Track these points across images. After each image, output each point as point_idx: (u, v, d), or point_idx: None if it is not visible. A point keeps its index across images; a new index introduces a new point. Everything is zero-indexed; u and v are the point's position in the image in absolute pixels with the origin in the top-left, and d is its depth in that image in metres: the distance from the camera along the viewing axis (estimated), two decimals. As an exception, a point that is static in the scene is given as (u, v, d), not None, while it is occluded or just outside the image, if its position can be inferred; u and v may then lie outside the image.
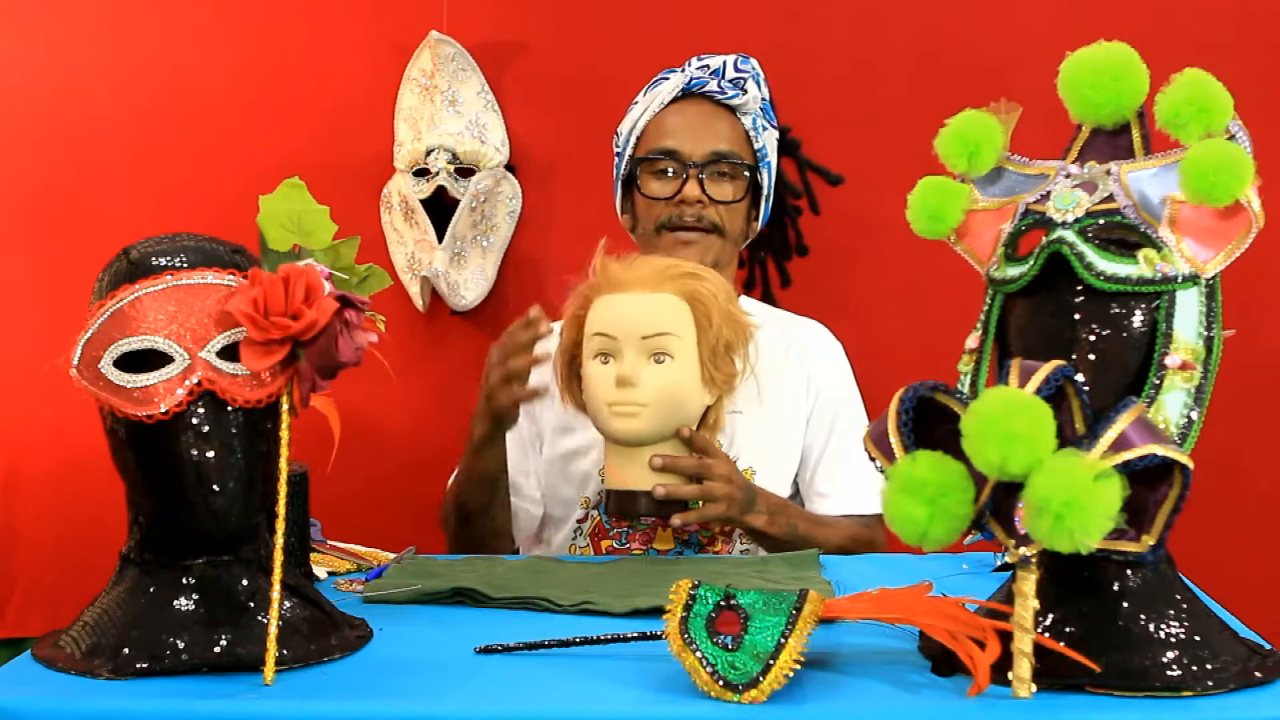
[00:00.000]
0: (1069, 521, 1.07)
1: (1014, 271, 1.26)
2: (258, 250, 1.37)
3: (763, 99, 2.15)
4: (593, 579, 1.62)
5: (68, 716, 1.19)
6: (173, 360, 1.25)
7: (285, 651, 1.26)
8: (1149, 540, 1.17)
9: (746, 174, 2.12)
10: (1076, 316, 1.22)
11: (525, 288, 2.62)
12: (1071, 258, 1.21)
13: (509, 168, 2.64)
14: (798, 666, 1.16)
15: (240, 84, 2.67)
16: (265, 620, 1.24)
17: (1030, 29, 2.53)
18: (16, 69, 2.68)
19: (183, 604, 1.29)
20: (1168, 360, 1.21)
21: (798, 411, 2.10)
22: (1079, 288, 1.22)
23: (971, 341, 1.31)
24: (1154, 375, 1.21)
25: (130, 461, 1.29)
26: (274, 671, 1.22)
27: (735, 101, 2.11)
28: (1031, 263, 1.23)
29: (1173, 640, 1.20)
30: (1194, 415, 1.22)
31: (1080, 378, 1.17)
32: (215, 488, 1.24)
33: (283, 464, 1.26)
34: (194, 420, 1.25)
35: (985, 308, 1.31)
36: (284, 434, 1.27)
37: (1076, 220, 1.23)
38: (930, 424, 1.18)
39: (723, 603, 1.21)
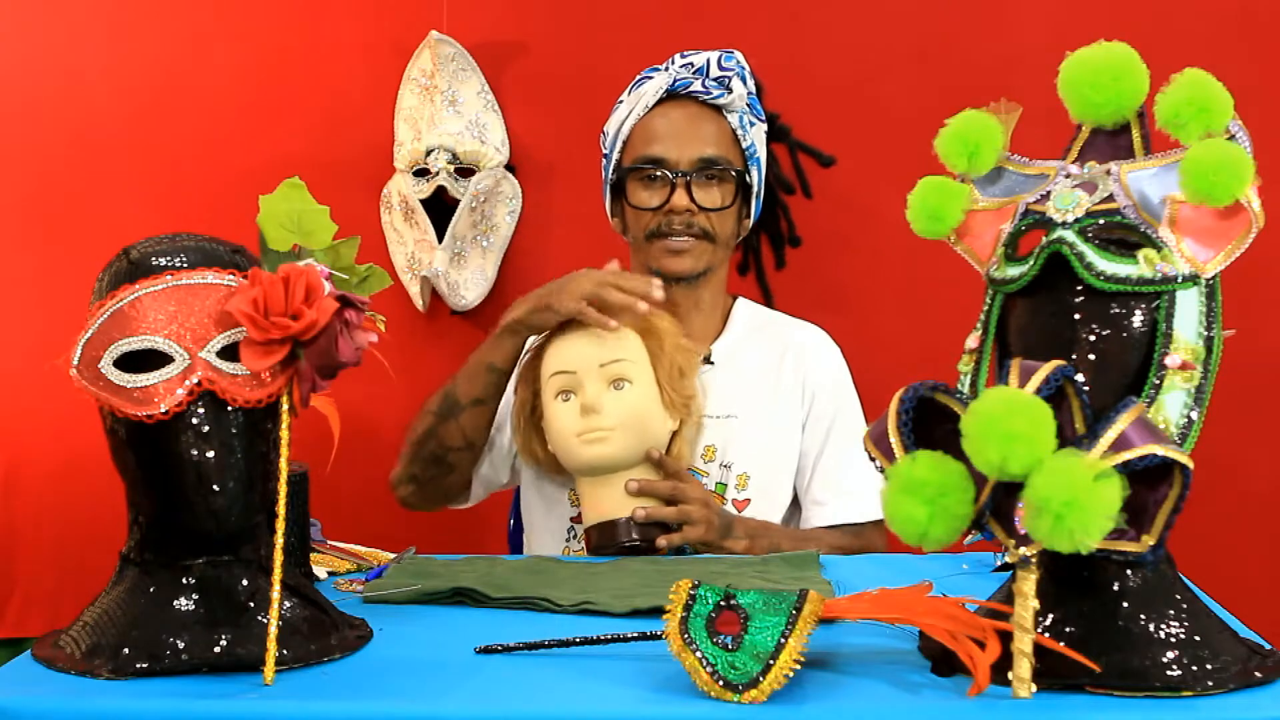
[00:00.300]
0: (1069, 521, 1.07)
1: (1014, 271, 1.26)
2: (258, 250, 1.37)
3: (749, 93, 2.12)
4: (593, 579, 1.62)
5: (68, 716, 1.19)
6: (173, 360, 1.25)
7: (285, 651, 1.26)
8: (1149, 540, 1.17)
9: (734, 177, 2.10)
10: (1076, 316, 1.22)
11: (525, 288, 2.60)
12: (1071, 258, 1.21)
13: (509, 168, 2.64)
14: (798, 666, 1.16)
15: (240, 84, 2.67)
16: (265, 620, 1.24)
17: (1030, 29, 2.53)
18: (17, 69, 2.68)
19: (183, 604, 1.29)
20: (1168, 360, 1.21)
21: (793, 415, 2.10)
22: (1079, 288, 1.22)
23: (971, 341, 1.31)
24: (1154, 375, 1.21)
25: (130, 461, 1.29)
26: (274, 671, 1.22)
27: (721, 101, 2.09)
28: (1031, 263, 1.23)
29: (1173, 640, 1.20)
30: (1194, 415, 1.22)
31: (1080, 378, 1.17)
32: (215, 488, 1.25)
33: (283, 464, 1.26)
34: (194, 420, 1.25)
35: (985, 308, 1.31)
36: (284, 434, 1.27)
37: (1076, 220, 1.23)
38: (930, 424, 1.18)
39: (723, 603, 1.21)
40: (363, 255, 1.45)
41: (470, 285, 2.63)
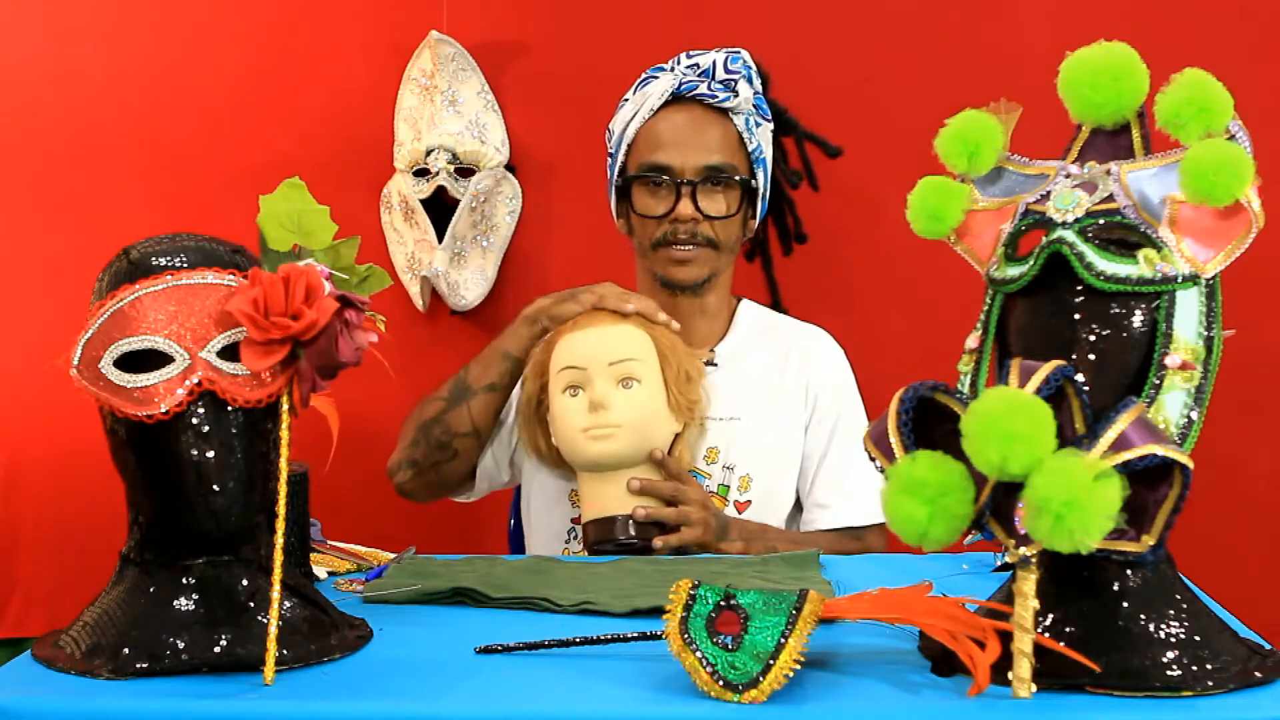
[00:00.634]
0: (1069, 521, 1.07)
1: (1014, 271, 1.26)
2: (258, 250, 1.37)
3: (756, 94, 2.11)
4: (592, 579, 1.62)
5: (68, 716, 1.19)
6: (173, 360, 1.25)
7: (285, 651, 1.26)
8: (1149, 540, 1.17)
9: (739, 184, 2.09)
10: (1076, 316, 1.22)
11: (525, 288, 2.62)
12: (1071, 258, 1.21)
13: (509, 168, 2.64)
14: (798, 666, 1.16)
15: (240, 84, 2.67)
16: (265, 620, 1.24)
17: (1030, 29, 2.53)
18: (17, 68, 2.68)
19: (183, 604, 1.29)
20: (1168, 360, 1.21)
21: (796, 418, 2.10)
22: (1079, 288, 1.22)
23: (971, 341, 1.31)
24: (1154, 375, 1.21)
25: (130, 461, 1.29)
26: (274, 671, 1.22)
27: (727, 104, 2.08)
28: (1031, 263, 1.23)
29: (1173, 640, 1.20)
30: (1194, 415, 1.22)
31: (1080, 378, 1.17)
32: (215, 488, 1.25)
33: (283, 464, 1.26)
34: (194, 420, 1.25)
35: (985, 308, 1.31)
36: (284, 434, 1.27)
37: (1076, 220, 1.23)
38: (930, 424, 1.18)
39: (723, 603, 1.21)
40: (363, 255, 1.45)
41: (470, 285, 2.63)
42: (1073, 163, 1.29)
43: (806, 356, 2.14)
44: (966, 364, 1.31)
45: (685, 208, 2.06)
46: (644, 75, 2.14)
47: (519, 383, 2.01)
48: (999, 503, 1.15)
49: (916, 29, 2.59)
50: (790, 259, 2.41)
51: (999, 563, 1.65)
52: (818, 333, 2.20)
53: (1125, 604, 1.21)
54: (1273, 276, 2.35)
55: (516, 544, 2.29)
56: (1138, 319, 1.22)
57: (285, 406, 1.27)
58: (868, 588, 1.32)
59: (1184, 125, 1.21)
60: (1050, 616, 1.21)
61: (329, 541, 1.78)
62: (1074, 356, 1.20)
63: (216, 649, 1.26)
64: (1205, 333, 1.23)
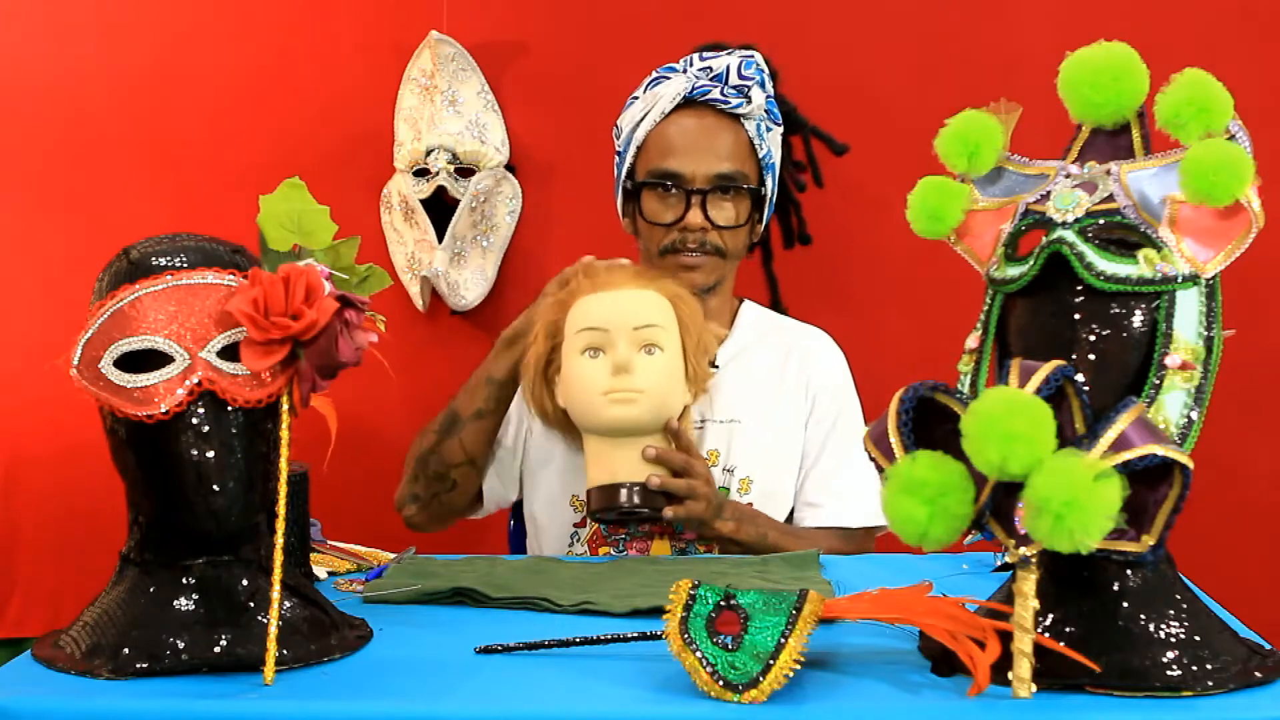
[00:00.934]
0: (1069, 521, 1.07)
1: (1014, 271, 1.26)
2: (258, 250, 1.37)
3: (768, 98, 2.10)
4: (593, 579, 1.62)
5: (68, 716, 1.19)
6: (173, 360, 1.25)
7: (285, 651, 1.26)
8: (1149, 540, 1.17)
9: (749, 192, 2.08)
10: (1076, 316, 1.22)
11: (525, 288, 2.61)
12: (1071, 258, 1.21)
13: (509, 168, 2.64)
14: (798, 666, 1.16)
15: (240, 84, 2.67)
16: (265, 620, 1.24)
17: (1030, 29, 2.53)
18: (17, 68, 2.68)
19: (183, 604, 1.29)
20: (1168, 360, 1.21)
21: (796, 419, 2.09)
22: (1079, 288, 1.22)
23: (971, 341, 1.31)
24: (1154, 375, 1.21)
25: (130, 461, 1.29)
26: (274, 671, 1.22)
27: (739, 110, 2.06)
28: (1031, 263, 1.23)
29: (1173, 640, 1.20)
30: (1194, 415, 1.22)
31: (1080, 378, 1.17)
32: (215, 488, 1.25)
33: (283, 464, 1.26)
34: (194, 420, 1.25)
35: (985, 308, 1.31)
36: (284, 434, 1.27)
37: (1076, 220, 1.23)
38: (930, 424, 1.18)
39: (723, 603, 1.21)
40: (363, 255, 1.45)
41: (470, 285, 2.63)
42: (1073, 163, 1.29)
43: (806, 357, 2.14)
44: (966, 364, 1.31)
45: (695, 217, 2.05)
46: (654, 74, 2.12)
47: (526, 352, 1.95)
48: (999, 503, 1.15)
49: (916, 29, 2.58)
50: (789, 257, 2.41)
51: (999, 563, 1.65)
52: (818, 334, 2.20)
53: (1125, 604, 1.21)
54: (1273, 276, 2.35)
55: (516, 544, 2.29)
56: (1138, 319, 1.22)
57: (285, 406, 1.27)
58: (868, 588, 1.32)
59: (1184, 125, 1.21)
60: (1050, 616, 1.21)
61: (329, 541, 1.78)
62: (1074, 356, 1.20)
63: (216, 649, 1.26)
64: (1205, 333, 1.23)
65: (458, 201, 2.58)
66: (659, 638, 1.23)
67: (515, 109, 2.64)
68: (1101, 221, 1.23)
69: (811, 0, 2.61)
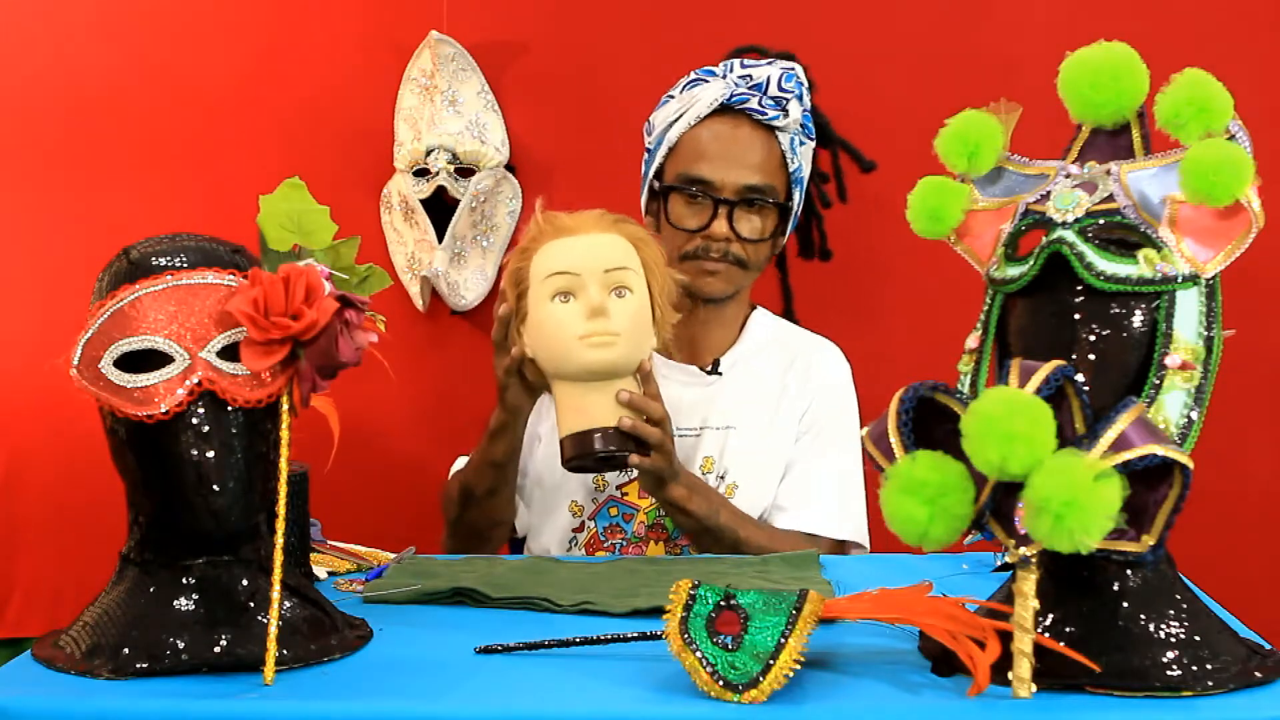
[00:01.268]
0: (1069, 521, 1.07)
1: (1014, 271, 1.26)
2: (258, 250, 1.37)
3: (805, 112, 2.07)
4: (592, 579, 1.62)
5: (68, 716, 1.19)
6: (173, 360, 1.25)
7: (285, 651, 1.26)
8: (1149, 540, 1.17)
9: (776, 206, 2.06)
10: (1076, 316, 1.22)
11: (525, 288, 2.61)
12: (1071, 258, 1.21)
13: (509, 168, 2.64)
14: (798, 666, 1.16)
15: (240, 84, 2.67)
16: (265, 620, 1.24)
17: (1030, 29, 2.53)
18: (17, 68, 2.68)
19: (183, 604, 1.29)
20: (1168, 360, 1.21)
21: (789, 430, 2.08)
22: (1079, 288, 1.22)
23: (971, 341, 1.31)
24: (1154, 375, 1.21)
25: (130, 461, 1.29)
26: (274, 671, 1.22)
27: (776, 123, 2.04)
28: (1031, 263, 1.23)
29: (1173, 640, 1.20)
30: (1194, 415, 1.22)
31: (1080, 378, 1.17)
32: (215, 488, 1.24)
33: (283, 464, 1.26)
34: (194, 420, 1.25)
35: (985, 308, 1.31)
36: (284, 434, 1.27)
37: (1076, 220, 1.23)
38: (930, 424, 1.18)
39: (723, 603, 1.21)
40: (363, 255, 1.45)
41: (470, 285, 2.63)
42: (1073, 163, 1.29)
43: (809, 368, 2.12)
44: (966, 364, 1.31)
45: (720, 226, 2.03)
46: (693, 75, 2.10)
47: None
48: (999, 503, 1.15)
49: (916, 29, 2.59)
50: (796, 262, 2.39)
51: (999, 563, 1.65)
52: (824, 344, 2.18)
53: (1125, 604, 1.21)
54: (1273, 276, 2.35)
55: (516, 544, 2.29)
56: (1138, 319, 1.22)
57: (285, 406, 1.27)
58: (868, 588, 1.32)
59: (1184, 125, 1.21)
60: (1050, 616, 1.21)
61: (329, 541, 1.78)
62: (1074, 356, 1.20)
63: (216, 649, 1.26)
64: (1205, 333, 1.23)
65: (458, 201, 2.58)
66: (659, 638, 1.23)
67: (515, 109, 2.64)
68: (1101, 221, 1.23)
69: (812, 0, 2.61)
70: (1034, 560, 1.14)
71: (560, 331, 1.75)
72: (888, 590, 1.29)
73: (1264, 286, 2.35)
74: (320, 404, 1.43)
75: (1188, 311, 1.22)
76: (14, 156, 2.68)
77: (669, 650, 1.20)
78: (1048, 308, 1.24)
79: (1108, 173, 1.25)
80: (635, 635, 1.31)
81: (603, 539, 2.03)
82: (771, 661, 1.16)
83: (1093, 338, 1.21)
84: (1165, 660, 1.18)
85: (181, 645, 1.26)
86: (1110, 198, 1.23)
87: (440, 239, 2.57)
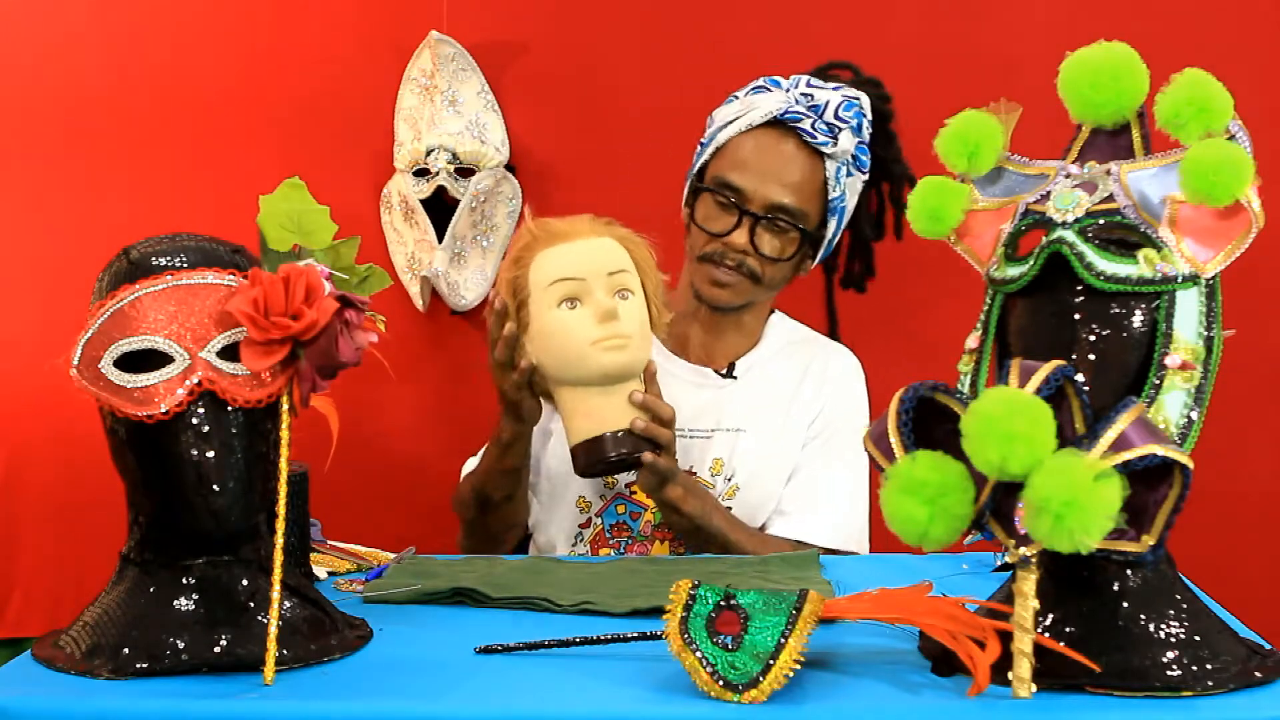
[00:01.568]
0: (1069, 521, 1.07)
1: (1014, 271, 1.26)
2: (258, 250, 1.37)
3: (859, 144, 2.04)
4: (592, 579, 1.62)
5: (68, 716, 1.19)
6: (173, 360, 1.25)
7: (285, 651, 1.26)
8: (1149, 540, 1.17)
9: (800, 231, 2.03)
10: (1076, 316, 1.22)
11: (525, 288, 2.61)
12: (1071, 258, 1.21)
13: (509, 168, 2.64)
14: (798, 666, 1.16)
15: (240, 84, 2.67)
16: (265, 620, 1.24)
17: (1030, 29, 2.53)
18: (16, 68, 2.68)
19: (183, 604, 1.29)
20: (1168, 360, 1.21)
21: (799, 436, 2.07)
22: (1079, 288, 1.22)
23: (971, 341, 1.31)
24: (1154, 375, 1.21)
25: (130, 461, 1.29)
26: (274, 671, 1.22)
27: (824, 148, 2.01)
28: (1031, 263, 1.23)
29: (1173, 640, 1.20)
30: (1194, 415, 1.22)
31: (1080, 378, 1.17)
32: (215, 488, 1.24)
33: (283, 464, 1.26)
34: (194, 420, 1.25)
35: (985, 308, 1.31)
36: (284, 434, 1.27)
37: (1076, 220, 1.23)
38: (930, 424, 1.18)
39: (723, 603, 1.21)
40: (363, 255, 1.45)
41: (470, 285, 2.63)
42: (1073, 163, 1.29)
43: (823, 377, 2.11)
44: (966, 364, 1.31)
45: (740, 237, 2.01)
46: (760, 81, 2.07)
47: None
48: (999, 503, 1.15)
49: (916, 29, 2.58)
50: (856, 285, 2.33)
51: (999, 563, 1.65)
52: (838, 349, 2.17)
53: (1125, 604, 1.21)
54: (1273, 276, 2.35)
55: (516, 544, 2.29)
56: (1138, 319, 1.22)
57: (285, 406, 1.27)
58: (868, 588, 1.32)
59: (1184, 125, 1.21)
60: (1050, 616, 1.21)
61: (329, 541, 1.78)
62: (1074, 356, 1.20)
63: (216, 649, 1.26)
64: (1205, 333, 1.23)
65: (458, 201, 2.58)
66: (659, 638, 1.23)
67: (515, 109, 2.64)
68: (1101, 221, 1.23)
69: (811, 1, 2.61)
70: (1034, 560, 1.14)
71: (571, 338, 1.75)
72: (888, 590, 1.29)
73: (1264, 286, 2.35)
74: (320, 404, 1.43)
75: (1188, 311, 1.22)
76: (14, 156, 2.68)
77: (669, 650, 1.20)
78: (1048, 308, 1.24)
79: (1108, 173, 1.25)
80: (635, 635, 1.31)
81: (608, 536, 2.03)
82: (771, 661, 1.16)
83: (1093, 338, 1.21)
84: (1165, 660, 1.18)
85: (181, 645, 1.26)
86: (1110, 198, 1.23)
87: (440, 239, 2.57)
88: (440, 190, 2.57)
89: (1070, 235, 1.22)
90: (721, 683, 1.16)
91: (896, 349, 2.31)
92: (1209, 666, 1.19)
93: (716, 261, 2.04)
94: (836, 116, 2.02)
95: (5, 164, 2.68)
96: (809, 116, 2.01)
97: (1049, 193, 1.26)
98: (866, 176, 2.10)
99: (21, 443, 2.68)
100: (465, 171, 2.59)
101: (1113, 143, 1.28)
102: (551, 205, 2.66)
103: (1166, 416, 1.21)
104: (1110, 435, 1.14)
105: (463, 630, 1.41)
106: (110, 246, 1.32)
